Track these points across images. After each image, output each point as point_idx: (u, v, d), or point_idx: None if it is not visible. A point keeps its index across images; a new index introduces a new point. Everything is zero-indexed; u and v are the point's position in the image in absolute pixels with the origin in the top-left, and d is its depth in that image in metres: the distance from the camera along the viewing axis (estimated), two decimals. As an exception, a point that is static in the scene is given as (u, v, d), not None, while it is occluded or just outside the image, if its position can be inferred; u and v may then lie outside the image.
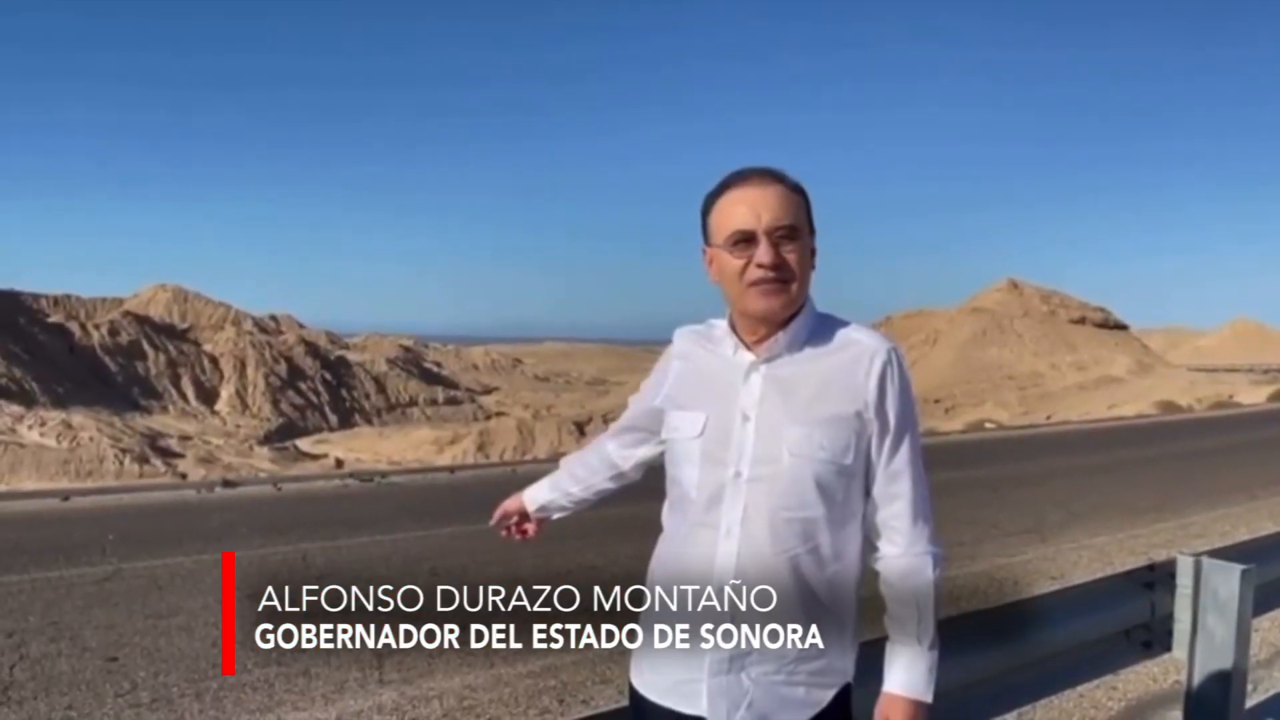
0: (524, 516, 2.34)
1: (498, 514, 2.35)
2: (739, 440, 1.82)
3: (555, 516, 2.33)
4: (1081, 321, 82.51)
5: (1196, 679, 3.68)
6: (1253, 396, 45.58)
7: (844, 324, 1.89)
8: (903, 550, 1.85)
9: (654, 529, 2.01)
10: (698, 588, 1.83)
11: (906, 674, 1.84)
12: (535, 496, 2.32)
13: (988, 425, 38.50)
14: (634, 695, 1.97)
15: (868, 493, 1.86)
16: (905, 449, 1.85)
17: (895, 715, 1.83)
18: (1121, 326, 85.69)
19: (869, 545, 1.88)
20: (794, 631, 1.81)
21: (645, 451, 2.14)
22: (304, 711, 4.74)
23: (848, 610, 1.87)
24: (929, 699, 1.84)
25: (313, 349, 69.12)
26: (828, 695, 1.85)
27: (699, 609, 1.82)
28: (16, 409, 49.18)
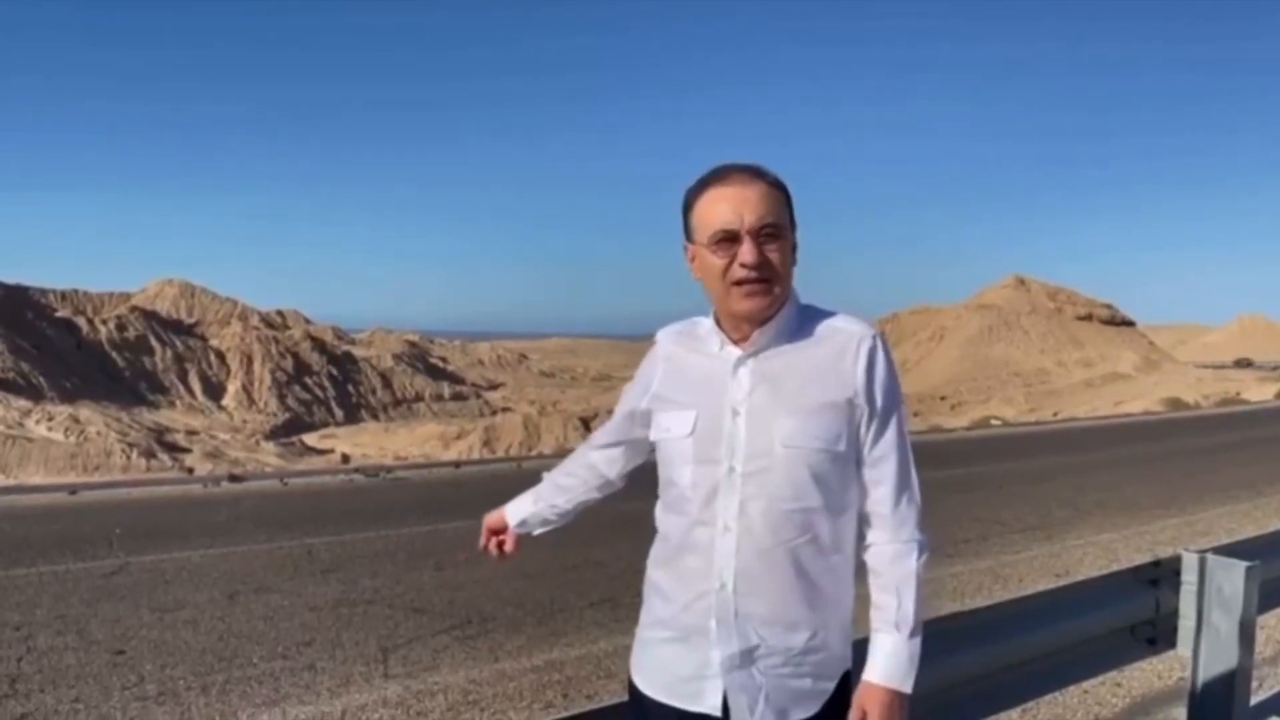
0: (502, 531, 2.28)
1: (485, 530, 2.29)
2: (730, 435, 1.82)
3: (537, 532, 2.26)
4: (1088, 318, 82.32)
5: (1201, 676, 3.68)
6: (1260, 393, 45.46)
7: (827, 314, 1.89)
8: (888, 537, 1.85)
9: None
10: (700, 586, 1.83)
11: (886, 663, 1.82)
12: (517, 510, 2.26)
13: (994, 422, 38.45)
14: (634, 692, 1.97)
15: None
16: (891, 433, 1.85)
17: (872, 705, 1.81)
18: (1128, 323, 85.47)
19: (859, 535, 1.89)
20: (798, 623, 1.81)
21: (632, 459, 2.13)
22: (309, 705, 4.76)
23: (848, 599, 1.89)
24: (908, 689, 1.82)
25: (319, 344, 69.19)
26: (832, 685, 1.87)
27: (702, 607, 1.83)
28: (24, 403, 49.33)
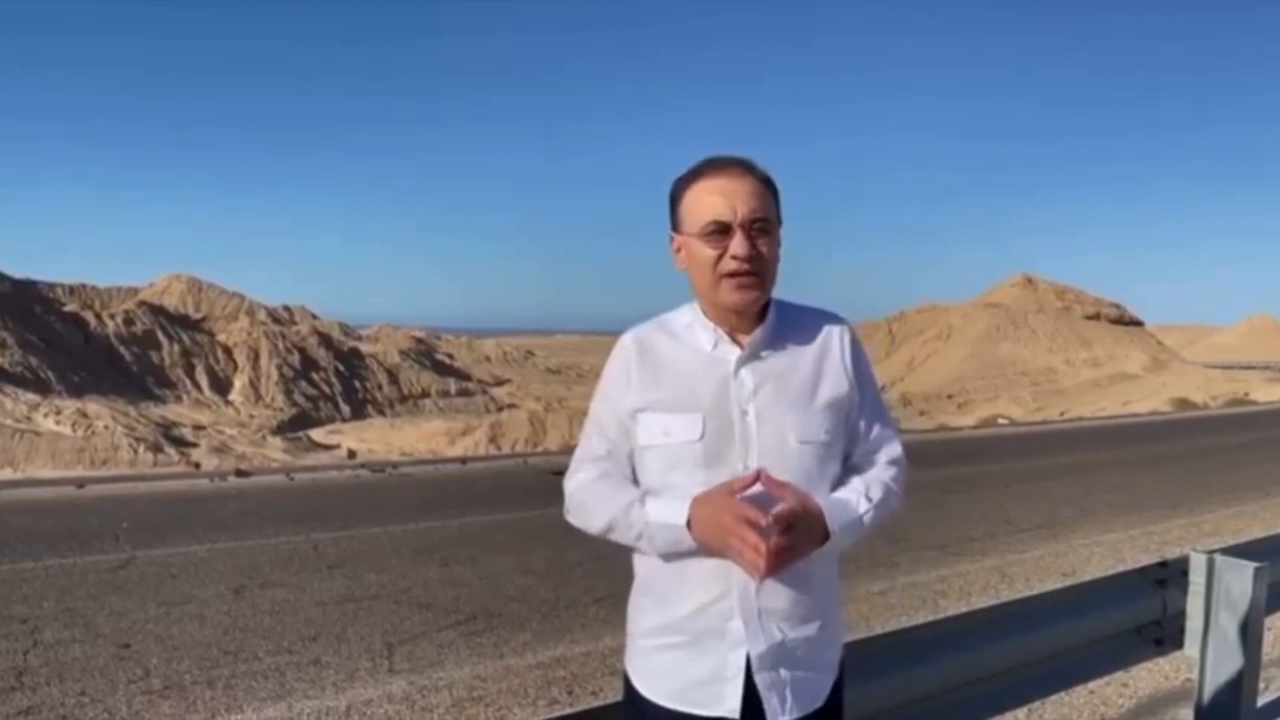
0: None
1: (750, 521, 1.70)
2: (741, 435, 1.80)
3: None
4: (1096, 318, 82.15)
5: (1208, 677, 3.67)
6: (1268, 394, 45.31)
7: (804, 308, 1.94)
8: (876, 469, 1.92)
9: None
10: (716, 588, 1.79)
11: (835, 503, 1.79)
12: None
13: (1000, 421, 38.40)
14: (634, 696, 1.92)
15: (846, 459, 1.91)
16: (879, 414, 1.95)
17: (805, 502, 1.72)
18: (1136, 323, 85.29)
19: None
20: (810, 615, 1.82)
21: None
22: (315, 700, 4.76)
23: (839, 586, 1.92)
24: (833, 528, 1.76)
25: (326, 340, 69.35)
26: (832, 679, 1.88)
27: (722, 609, 1.79)
28: (33, 397, 49.53)
